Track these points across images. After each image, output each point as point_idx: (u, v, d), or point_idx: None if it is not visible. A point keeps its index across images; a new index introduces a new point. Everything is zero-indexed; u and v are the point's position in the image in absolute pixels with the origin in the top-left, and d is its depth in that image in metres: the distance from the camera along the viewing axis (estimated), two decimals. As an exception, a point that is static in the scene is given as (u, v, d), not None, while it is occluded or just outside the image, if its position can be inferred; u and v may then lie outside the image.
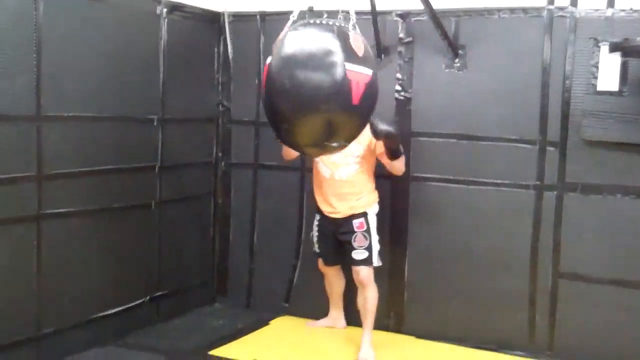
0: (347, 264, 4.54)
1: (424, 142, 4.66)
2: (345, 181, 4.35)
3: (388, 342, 4.61)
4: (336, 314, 4.85)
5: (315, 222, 4.60)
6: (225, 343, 4.54)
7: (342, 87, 3.15)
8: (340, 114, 3.21)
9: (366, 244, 4.35)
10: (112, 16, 4.31)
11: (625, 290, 4.26)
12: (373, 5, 4.31)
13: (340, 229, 4.42)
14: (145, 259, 4.76)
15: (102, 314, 4.39)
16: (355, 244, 4.35)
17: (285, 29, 3.37)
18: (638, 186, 4.20)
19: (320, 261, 4.69)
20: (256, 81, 5.09)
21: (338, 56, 3.15)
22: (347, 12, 3.46)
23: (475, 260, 4.59)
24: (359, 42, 3.26)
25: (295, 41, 3.25)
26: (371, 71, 3.27)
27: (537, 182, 4.42)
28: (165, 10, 4.67)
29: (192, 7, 4.94)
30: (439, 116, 4.62)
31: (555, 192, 4.39)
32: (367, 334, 4.41)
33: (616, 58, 4.13)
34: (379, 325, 4.78)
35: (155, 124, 4.70)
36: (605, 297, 4.31)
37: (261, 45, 5.07)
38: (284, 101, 3.23)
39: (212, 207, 5.35)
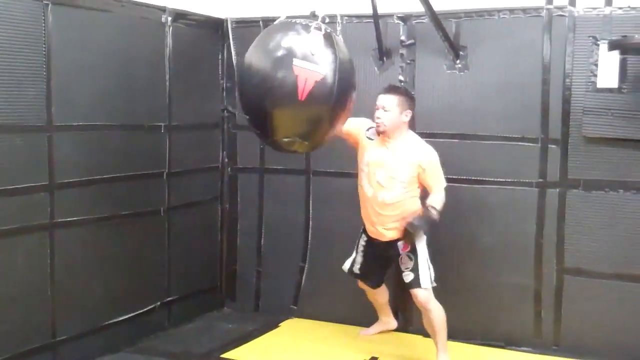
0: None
1: (428, 142, 4.66)
2: (389, 204, 4.14)
3: (395, 343, 4.67)
4: (385, 318, 4.79)
5: (362, 243, 4.42)
6: (236, 346, 4.59)
7: (286, 82, 3.25)
8: (285, 108, 3.32)
9: (411, 265, 4.13)
10: (119, 25, 4.36)
11: (629, 284, 4.33)
12: (374, 8, 4.37)
13: (386, 252, 4.27)
14: (155, 265, 4.81)
15: (114, 320, 4.44)
16: (402, 266, 4.18)
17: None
18: (638, 181, 4.27)
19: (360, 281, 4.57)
20: (260, 86, 5.15)
21: (287, 51, 3.27)
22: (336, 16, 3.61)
23: (480, 258, 4.66)
24: (315, 42, 3.31)
25: (261, 36, 3.48)
26: (324, 71, 3.30)
27: (540, 180, 4.49)
28: (170, 18, 4.73)
29: (196, 14, 5.00)
30: (442, 117, 4.68)
31: (558, 189, 4.46)
32: (441, 356, 4.19)
33: (615, 55, 4.20)
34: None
35: (162, 131, 4.75)
36: (609, 292, 4.38)
37: (264, 51, 5.13)
38: (243, 91, 3.52)
39: (220, 212, 5.40)
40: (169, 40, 4.75)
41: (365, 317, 4.86)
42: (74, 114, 4.09)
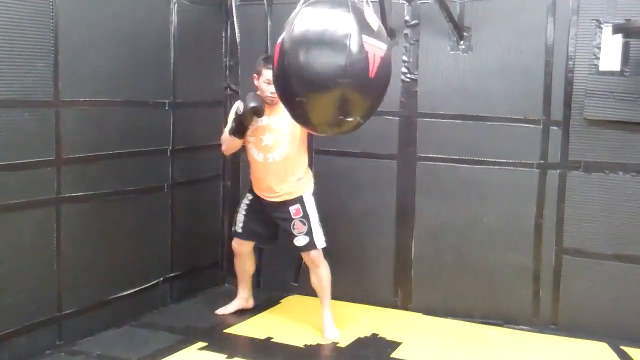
0: (266, 244, 4.82)
1: (430, 122, 4.75)
2: (279, 162, 4.37)
3: (396, 320, 4.73)
4: (246, 294, 4.88)
5: (246, 201, 4.63)
6: (239, 322, 4.65)
7: (360, 60, 3.09)
8: (357, 88, 3.14)
9: (305, 229, 4.38)
10: (125, 2, 4.37)
11: (627, 265, 4.39)
12: (380, -12, 4.37)
13: (275, 213, 4.47)
14: (159, 241, 4.85)
15: (118, 294, 4.49)
16: (295, 231, 4.39)
17: (299, 5, 3.27)
18: (638, 164, 4.32)
19: (235, 241, 4.71)
20: (263, 64, 5.17)
21: (354, 29, 3.07)
22: None
23: (480, 238, 4.71)
24: (372, 16, 3.23)
25: (310, 16, 3.18)
26: (385, 45, 3.24)
27: (541, 161, 4.54)
28: (175, -5, 4.76)
29: (200, -9, 5.03)
30: (445, 97, 4.72)
31: (558, 171, 4.51)
32: (328, 311, 4.49)
33: (618, 39, 4.22)
34: (387, 303, 4.94)
35: (166, 107, 4.77)
36: (607, 272, 4.44)
37: (268, 29, 5.15)
38: (300, 78, 3.15)
39: (222, 189, 5.45)
40: (174, 17, 4.76)
41: (364, 293, 4.92)
42: (80, 90, 4.11)
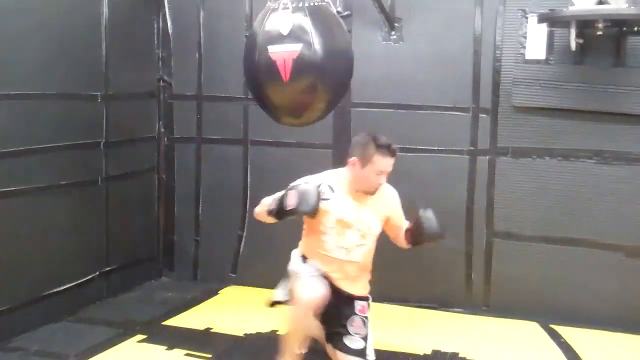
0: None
1: (364, 112, 4.83)
2: (358, 262, 3.66)
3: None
4: None
5: (312, 273, 3.60)
6: (177, 314, 4.65)
7: (270, 69, 3.51)
8: (277, 91, 3.68)
9: (364, 332, 3.61)
10: (56, -7, 4.31)
11: (555, 246, 4.56)
12: (312, -20, 4.43)
13: (337, 303, 3.58)
14: (94, 235, 4.81)
15: (54, 290, 4.43)
16: (352, 329, 3.59)
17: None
18: (564, 149, 4.48)
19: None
20: (197, 56, 5.17)
21: (263, 39, 3.55)
22: None
23: (414, 224, 4.81)
24: (286, 21, 3.45)
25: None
26: (299, 46, 3.46)
27: (471, 148, 4.67)
28: (106, -14, 4.69)
29: (131, -18, 4.97)
30: (378, 87, 4.80)
31: (487, 157, 4.64)
32: None
33: (543, 28, 4.37)
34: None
35: (99, 100, 4.71)
36: (536, 254, 4.60)
37: (201, 21, 5.14)
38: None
39: (157, 182, 5.41)
40: (105, 8, 4.70)
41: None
42: (10, 83, 4.03)
